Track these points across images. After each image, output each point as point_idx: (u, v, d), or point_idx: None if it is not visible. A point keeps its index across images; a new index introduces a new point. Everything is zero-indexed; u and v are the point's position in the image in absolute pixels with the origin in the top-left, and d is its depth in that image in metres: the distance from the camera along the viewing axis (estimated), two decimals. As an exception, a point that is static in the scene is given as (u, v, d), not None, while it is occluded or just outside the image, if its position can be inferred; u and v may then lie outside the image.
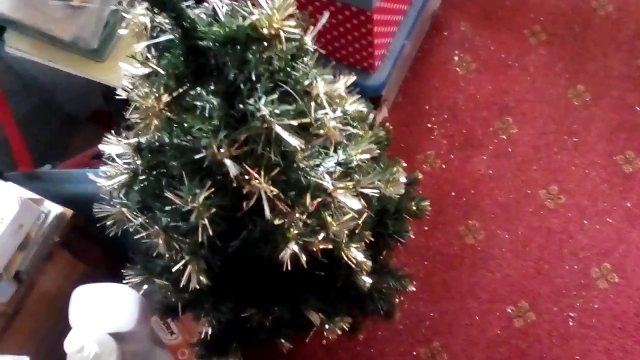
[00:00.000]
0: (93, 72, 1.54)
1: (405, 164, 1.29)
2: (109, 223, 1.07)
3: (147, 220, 1.01)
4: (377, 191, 1.06)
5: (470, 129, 2.05)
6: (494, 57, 2.15)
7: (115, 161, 1.01)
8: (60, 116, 2.02)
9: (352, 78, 0.96)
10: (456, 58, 2.16)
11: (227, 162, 0.81)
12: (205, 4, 0.79)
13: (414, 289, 1.38)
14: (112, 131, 1.02)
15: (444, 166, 2.01)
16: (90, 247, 1.48)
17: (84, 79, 1.59)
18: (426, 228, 1.92)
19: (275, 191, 0.86)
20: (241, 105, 0.76)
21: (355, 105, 1.01)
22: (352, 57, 1.76)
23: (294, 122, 0.75)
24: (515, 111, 2.07)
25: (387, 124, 1.39)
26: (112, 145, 0.97)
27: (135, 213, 1.03)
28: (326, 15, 0.85)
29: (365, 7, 1.54)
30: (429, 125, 2.07)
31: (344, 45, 1.73)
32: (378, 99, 1.89)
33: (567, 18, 2.19)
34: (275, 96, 0.75)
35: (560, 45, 2.16)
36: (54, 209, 1.34)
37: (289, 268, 0.96)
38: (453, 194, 1.97)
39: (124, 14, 0.75)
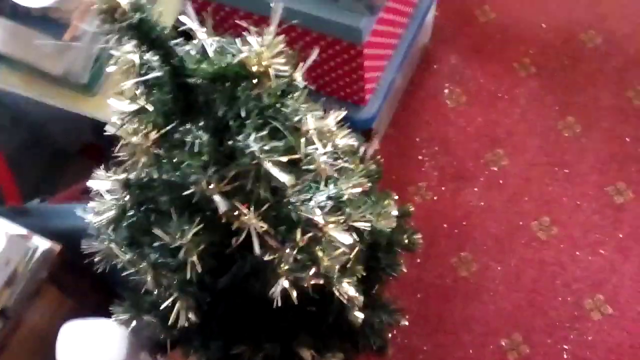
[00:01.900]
0: (83, 107, 1.53)
1: (396, 197, 1.29)
2: (97, 259, 1.06)
3: (136, 257, 1.00)
4: (368, 225, 1.06)
5: (461, 160, 2.05)
6: (484, 90, 2.17)
7: (103, 197, 1.01)
8: (50, 150, 2.01)
9: (342, 113, 0.96)
10: (446, 91, 2.17)
11: (217, 198, 0.81)
12: (194, 41, 0.79)
13: (406, 323, 1.37)
14: (102, 166, 1.02)
15: (435, 198, 2.01)
16: (79, 282, 1.46)
17: (74, 113, 1.58)
18: (418, 260, 1.91)
19: (265, 227, 0.86)
20: (230, 142, 0.76)
21: (345, 140, 1.00)
22: (343, 91, 1.77)
23: (284, 159, 0.74)
24: (506, 143, 2.08)
25: (379, 156, 1.38)
26: (100, 181, 0.96)
27: (123, 249, 1.02)
28: (316, 51, 0.85)
29: (355, 42, 1.54)
30: (420, 157, 2.07)
31: (334, 79, 1.73)
32: (369, 132, 1.89)
33: (556, 51, 2.21)
34: (264, 132, 0.74)
35: (549, 78, 2.18)
36: (42, 244, 1.33)
37: (280, 304, 0.95)
38: (445, 225, 1.97)
39: (112, 52, 0.74)
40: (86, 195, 1.69)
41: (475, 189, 2.01)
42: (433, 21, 2.18)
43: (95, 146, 1.99)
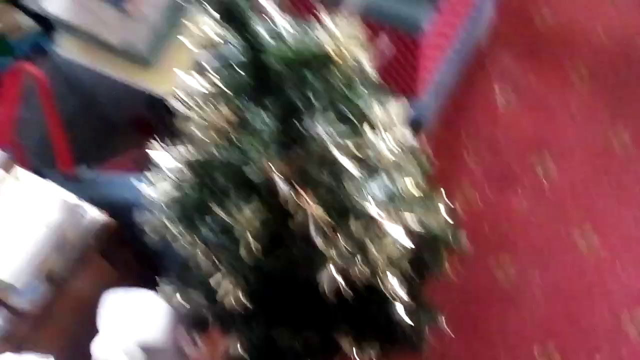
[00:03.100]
0: (140, 80, 1.55)
1: (444, 194, 1.28)
2: (148, 231, 1.07)
3: (188, 232, 1.01)
4: (421, 227, 1.05)
5: (508, 164, 2.03)
6: (536, 94, 2.14)
7: (161, 170, 1.01)
8: (99, 119, 2.03)
9: (405, 105, 0.96)
10: (497, 91, 2.15)
11: (277, 179, 0.81)
12: (268, 21, 0.80)
13: (444, 321, 1.36)
14: (157, 139, 1.03)
15: (479, 202, 1.99)
16: (123, 253, 1.48)
17: (127, 84, 1.60)
18: (457, 261, 1.89)
19: (322, 212, 0.86)
20: (297, 125, 0.76)
21: (401, 132, 1.00)
22: (396, 83, 1.76)
23: (350, 143, 0.74)
24: (554, 149, 2.05)
25: (432, 155, 1.38)
26: (161, 155, 0.97)
27: (175, 224, 1.03)
28: (384, 39, 0.84)
29: (413, 34, 1.53)
30: (466, 156, 2.06)
31: (388, 71, 1.72)
32: (418, 127, 1.88)
33: (611, 59, 2.18)
34: (335, 121, 0.74)
35: (603, 86, 2.14)
36: (92, 213, 1.35)
37: (326, 292, 0.96)
38: (486, 227, 1.95)
39: (187, 25, 0.75)
40: (135, 167, 1.72)
41: (520, 194, 1.99)
42: (490, 21, 2.16)
43: (145, 119, 2.01)
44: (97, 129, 2.04)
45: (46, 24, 1.69)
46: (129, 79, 1.58)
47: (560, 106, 2.11)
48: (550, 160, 2.03)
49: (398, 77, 1.73)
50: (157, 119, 1.79)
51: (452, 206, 1.44)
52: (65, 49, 1.62)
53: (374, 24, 1.57)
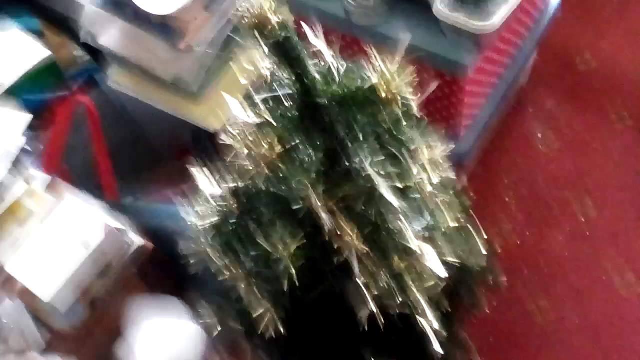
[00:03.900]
0: (188, 114, 1.58)
1: (485, 236, 1.28)
2: (192, 261, 1.09)
3: (231, 263, 1.02)
4: (458, 260, 1.06)
5: (548, 207, 2.02)
6: (578, 138, 2.13)
7: (206, 200, 1.04)
8: (146, 151, 2.08)
9: (451, 147, 0.97)
10: (539, 135, 2.15)
11: (324, 215, 0.83)
12: (320, 62, 0.82)
13: (479, 361, 1.35)
14: (206, 171, 1.05)
15: (518, 242, 1.98)
16: (164, 280, 1.50)
17: (175, 117, 1.64)
18: (495, 303, 1.88)
19: (366, 250, 0.87)
20: (347, 163, 0.78)
21: (445, 173, 1.01)
22: (439, 124, 1.76)
23: (399, 184, 0.76)
24: (596, 194, 2.04)
25: (471, 193, 1.38)
26: (207, 184, 1.00)
27: (219, 254, 1.05)
28: (434, 85, 0.86)
29: (458, 77, 1.55)
30: (507, 199, 2.05)
31: (432, 112, 1.74)
32: (459, 166, 1.88)
33: (655, 106, 2.17)
34: (382, 157, 0.76)
35: (646, 132, 2.13)
36: (137, 241, 1.37)
37: (365, 328, 0.96)
38: (525, 271, 1.94)
39: (245, 65, 0.77)
40: (179, 196, 1.75)
41: (560, 238, 1.97)
42: (533, 64, 2.17)
43: (189, 151, 2.05)
44: (144, 160, 2.09)
45: (98, 56, 1.75)
46: (176, 111, 1.61)
47: (602, 149, 2.11)
48: (590, 203, 2.02)
49: (441, 116, 1.75)
50: (201, 151, 1.83)
51: (491, 243, 1.44)
52: (116, 80, 1.67)
53: (420, 64, 1.60)
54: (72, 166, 1.77)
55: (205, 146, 1.78)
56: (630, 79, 2.24)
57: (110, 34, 1.58)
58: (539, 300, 1.89)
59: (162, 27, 1.49)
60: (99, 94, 1.82)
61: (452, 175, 1.05)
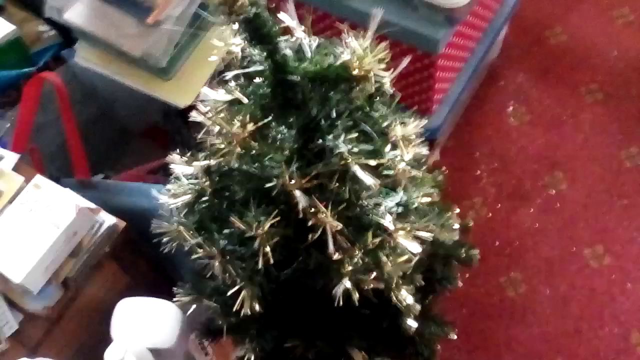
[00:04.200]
0: (158, 90, 1.57)
1: (458, 210, 1.29)
2: (164, 240, 1.08)
3: (205, 241, 1.02)
4: (431, 235, 1.06)
5: (520, 180, 2.04)
6: (549, 111, 2.15)
7: (179, 180, 1.03)
8: (115, 129, 2.06)
9: (423, 122, 0.97)
10: (510, 108, 2.16)
11: (298, 193, 0.82)
12: (292, 39, 0.81)
13: (455, 336, 1.37)
14: (177, 150, 1.04)
15: (489, 215, 2.00)
16: (138, 260, 1.49)
17: (144, 94, 1.62)
18: (467, 275, 1.90)
19: (340, 226, 0.87)
20: (319, 141, 0.78)
21: (417, 148, 1.01)
22: (411, 99, 1.77)
23: (372, 162, 0.75)
24: (566, 167, 2.06)
25: (444, 168, 1.39)
26: (181, 165, 0.99)
27: (192, 233, 1.04)
28: (406, 60, 0.86)
29: (430, 52, 1.55)
30: (478, 172, 2.07)
31: (404, 87, 1.74)
32: (431, 143, 1.89)
33: (625, 79, 2.19)
34: (354, 135, 0.76)
35: (616, 106, 2.15)
36: (108, 220, 1.36)
37: (340, 304, 0.96)
38: (497, 243, 1.96)
39: (214, 42, 0.76)
40: (150, 176, 1.74)
41: (531, 210, 2.00)
42: (504, 38, 2.17)
43: (159, 129, 2.03)
44: (113, 138, 2.07)
45: (67, 34, 1.72)
46: (148, 90, 1.59)
47: (572, 122, 2.13)
48: (562, 178, 2.04)
49: (413, 93, 1.75)
50: (173, 129, 1.82)
51: (467, 222, 1.45)
52: (85, 58, 1.64)
53: (391, 41, 1.59)
54: (41, 145, 1.75)
55: (176, 123, 1.77)
56: (600, 52, 2.26)
57: (76, 8, 1.56)
58: (511, 272, 1.92)
59: (129, 2, 1.47)
60: (67, 71, 1.79)
61: (424, 150, 1.05)
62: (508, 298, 1.89)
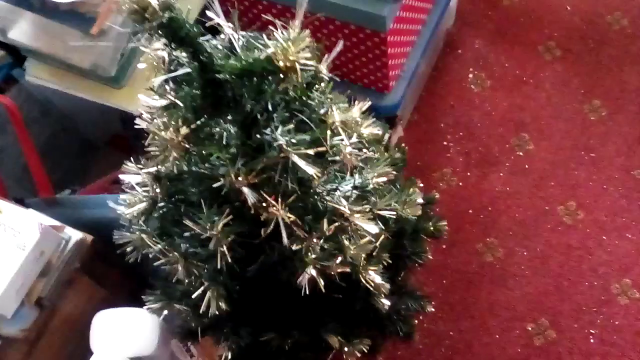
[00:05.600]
0: (111, 99, 1.56)
1: (421, 185, 1.29)
2: (128, 249, 1.08)
3: (166, 247, 1.02)
4: (394, 213, 1.07)
5: (487, 146, 2.05)
6: (509, 74, 2.16)
7: (134, 189, 1.03)
8: (79, 142, 2.05)
9: (367, 104, 0.97)
10: (471, 75, 2.17)
11: (245, 190, 0.82)
12: (221, 36, 0.81)
13: (432, 309, 1.38)
14: (131, 158, 1.04)
15: (460, 184, 2.01)
16: (110, 271, 1.49)
17: (102, 105, 1.61)
18: (444, 246, 1.91)
19: (293, 217, 0.87)
20: (258, 135, 0.78)
21: (370, 129, 1.01)
22: (367, 78, 1.77)
23: (310, 151, 0.75)
24: (532, 127, 2.07)
25: (403, 144, 1.39)
26: (132, 174, 0.98)
27: (154, 239, 1.04)
28: (341, 43, 0.85)
29: (379, 30, 1.55)
30: (445, 143, 2.08)
31: (358, 67, 1.74)
32: (393, 119, 1.89)
33: (581, 33, 2.19)
34: (291, 126, 0.76)
35: (575, 61, 2.16)
36: (75, 235, 1.36)
37: (307, 292, 0.97)
38: (470, 211, 1.97)
39: (142, 49, 0.76)
40: (116, 186, 1.73)
41: (501, 174, 2.01)
42: (457, 5, 2.17)
43: (122, 137, 2.02)
44: (77, 151, 2.06)
45: (16, 53, 1.70)
46: (101, 99, 1.59)
47: (533, 82, 2.14)
48: (529, 139, 2.05)
49: (368, 72, 1.74)
50: (133, 136, 1.81)
51: (432, 195, 1.46)
52: (34, 75, 1.63)
53: (339, 22, 1.59)
54: (5, 168, 1.74)
55: (135, 130, 1.75)
56: (553, 8, 2.26)
57: (19, 27, 1.54)
58: (487, 237, 1.93)
59: (72, 14, 1.45)
60: (20, 90, 1.78)
61: (377, 129, 1.05)
62: (487, 264, 1.90)
